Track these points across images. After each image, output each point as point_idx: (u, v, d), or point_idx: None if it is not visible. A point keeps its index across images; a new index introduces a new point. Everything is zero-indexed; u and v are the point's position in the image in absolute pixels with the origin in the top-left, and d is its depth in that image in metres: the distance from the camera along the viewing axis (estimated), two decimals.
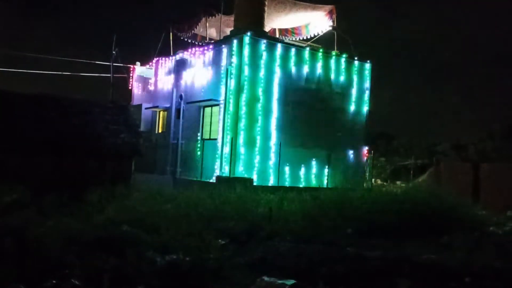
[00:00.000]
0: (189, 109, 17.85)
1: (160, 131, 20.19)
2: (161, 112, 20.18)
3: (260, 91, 15.83)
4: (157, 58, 20.73)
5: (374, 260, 7.23)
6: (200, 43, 20.35)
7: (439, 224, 10.14)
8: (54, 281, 5.21)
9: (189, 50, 18.62)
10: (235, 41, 15.84)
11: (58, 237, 6.43)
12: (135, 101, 21.97)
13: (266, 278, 5.70)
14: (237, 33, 16.26)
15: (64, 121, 12.38)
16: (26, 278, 5.35)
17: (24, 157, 10.88)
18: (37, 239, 6.21)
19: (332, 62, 17.57)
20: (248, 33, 15.75)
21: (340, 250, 7.80)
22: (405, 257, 7.49)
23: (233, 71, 15.74)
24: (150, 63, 21.68)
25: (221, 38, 17.94)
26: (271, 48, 16.21)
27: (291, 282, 5.50)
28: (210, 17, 18.70)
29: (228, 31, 18.21)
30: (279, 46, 16.44)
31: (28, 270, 5.52)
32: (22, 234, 6.23)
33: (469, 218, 11.25)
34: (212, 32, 20.12)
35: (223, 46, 16.37)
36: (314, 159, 16.77)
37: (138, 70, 22.45)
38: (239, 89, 15.57)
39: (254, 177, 15.19)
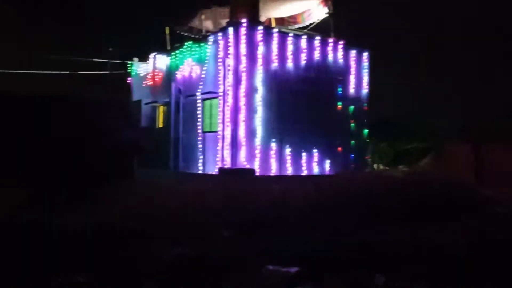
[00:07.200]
0: (188, 103, 17.87)
1: (160, 126, 20.22)
2: (161, 107, 20.20)
3: (258, 81, 15.83)
4: (155, 53, 20.69)
5: (378, 246, 7.28)
6: (196, 36, 20.29)
7: (443, 206, 10.16)
8: (60, 278, 5.28)
9: (186, 43, 18.58)
10: (231, 32, 15.80)
11: (64, 234, 6.50)
12: (135, 97, 21.97)
13: (270, 267, 5.78)
14: (232, 24, 16.22)
15: (65, 119, 12.42)
16: (33, 275, 5.43)
17: (27, 156, 10.95)
18: (43, 236, 6.28)
19: (330, 49, 17.52)
20: (244, 24, 15.70)
21: (343, 236, 7.85)
22: (409, 241, 7.54)
23: (231, 62, 15.73)
24: (148, 58, 21.63)
25: (217, 30, 17.88)
26: (267, 37, 16.17)
27: (295, 269, 5.58)
28: (206, 9, 18.65)
29: (224, 22, 18.15)
30: (275, 35, 16.39)
31: (35, 267, 5.59)
32: (28, 231, 6.31)
33: (473, 199, 11.27)
34: (208, 25, 20.05)
35: (220, 37, 16.32)
36: (315, 147, 16.80)
37: (136, 65, 22.41)
38: (237, 80, 15.56)
39: (256, 168, 15.24)
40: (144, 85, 21.70)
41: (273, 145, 15.93)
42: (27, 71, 23.61)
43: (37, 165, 10.84)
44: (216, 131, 16.30)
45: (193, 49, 17.89)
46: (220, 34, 16.53)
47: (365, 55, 18.42)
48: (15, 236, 6.18)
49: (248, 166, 15.21)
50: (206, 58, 17.00)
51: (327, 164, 16.97)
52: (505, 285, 5.83)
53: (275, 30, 16.92)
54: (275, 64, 16.14)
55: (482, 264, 6.38)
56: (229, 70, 15.72)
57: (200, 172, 16.52)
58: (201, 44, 17.42)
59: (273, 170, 15.77)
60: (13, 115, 11.56)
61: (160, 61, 20.25)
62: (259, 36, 15.91)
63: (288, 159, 16.22)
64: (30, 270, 5.61)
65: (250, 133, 15.63)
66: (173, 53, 19.21)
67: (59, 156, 11.26)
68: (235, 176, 13.24)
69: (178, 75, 18.64)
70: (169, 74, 19.32)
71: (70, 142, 11.60)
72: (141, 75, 21.97)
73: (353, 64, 18.00)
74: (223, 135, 15.80)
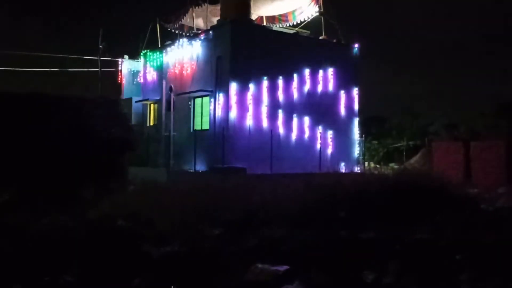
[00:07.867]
0: (179, 101, 17.82)
1: (151, 124, 20.16)
2: (152, 105, 20.13)
3: (249, 80, 15.82)
4: (145, 51, 20.62)
5: (367, 242, 7.35)
6: (187, 34, 20.25)
7: (431, 204, 10.26)
8: (48, 278, 5.27)
9: (177, 41, 18.53)
10: (222, 31, 15.79)
11: (52, 235, 6.48)
12: (125, 95, 21.89)
13: (259, 265, 5.82)
14: (223, 22, 16.22)
15: (55, 118, 12.30)
16: (22, 276, 5.41)
17: (15, 156, 10.84)
18: (31, 237, 6.25)
19: (320, 47, 17.57)
20: (235, 22, 15.70)
21: (333, 233, 7.91)
22: (397, 238, 7.61)
23: (221, 61, 15.71)
24: (139, 56, 21.55)
25: (208, 28, 17.87)
26: (258, 36, 16.18)
27: (284, 268, 5.62)
28: (197, 7, 18.61)
29: (215, 20, 18.13)
30: (266, 34, 16.41)
31: (23, 268, 5.58)
32: (17, 233, 6.27)
33: (460, 196, 11.38)
34: (199, 22, 20.02)
35: (211, 36, 16.32)
36: (305, 145, 16.86)
37: (127, 63, 22.31)
38: (228, 79, 15.55)
39: (247, 166, 15.25)
40: (135, 82, 21.62)
41: (264, 144, 15.94)
42: (13, 68, 23.26)
43: (23, 166, 10.70)
44: (207, 129, 16.29)
45: (184, 47, 17.85)
46: (211, 32, 16.51)
47: (356, 52, 18.48)
48: (1, 237, 6.13)
49: (239, 165, 15.21)
50: (197, 56, 16.97)
51: (319, 162, 17.03)
52: None
53: (266, 28, 16.94)
54: (265, 62, 16.14)
55: None
56: (219, 68, 15.71)
57: (191, 170, 16.51)
58: (192, 42, 17.39)
59: (264, 169, 15.77)
60: None
61: (151, 59, 20.19)
62: (249, 34, 15.90)
63: (279, 157, 16.23)
64: (19, 270, 5.60)
65: (242, 132, 15.64)
66: (164, 51, 19.15)
67: (45, 156, 11.11)
68: (226, 175, 13.22)
69: (169, 73, 18.59)
70: (160, 72, 19.25)
71: (58, 141, 11.44)
72: (132, 72, 21.88)
73: (343, 61, 18.05)
74: (214, 134, 15.80)
